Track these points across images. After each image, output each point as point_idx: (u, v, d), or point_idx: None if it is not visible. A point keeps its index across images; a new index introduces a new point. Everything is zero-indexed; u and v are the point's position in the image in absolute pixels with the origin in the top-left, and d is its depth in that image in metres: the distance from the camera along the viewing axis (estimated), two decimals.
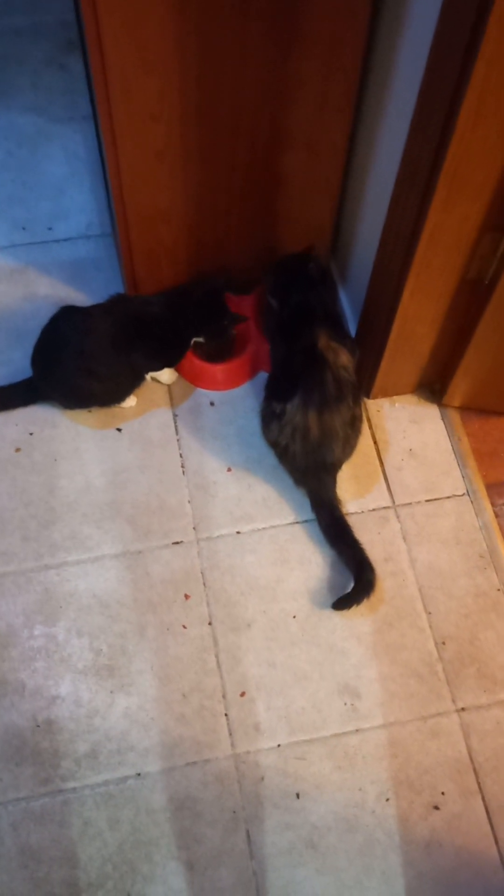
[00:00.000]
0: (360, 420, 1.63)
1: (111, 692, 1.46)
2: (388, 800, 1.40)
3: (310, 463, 1.58)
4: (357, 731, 1.45)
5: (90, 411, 1.72)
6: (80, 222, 1.98)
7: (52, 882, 1.32)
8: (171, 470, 1.68)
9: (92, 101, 1.52)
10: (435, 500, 1.68)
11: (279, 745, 1.43)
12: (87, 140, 2.09)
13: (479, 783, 1.42)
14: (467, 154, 1.20)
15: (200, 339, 1.72)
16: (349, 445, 1.60)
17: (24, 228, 1.96)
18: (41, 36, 2.25)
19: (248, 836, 1.37)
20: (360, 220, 1.68)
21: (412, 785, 1.41)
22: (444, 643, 1.53)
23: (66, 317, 1.64)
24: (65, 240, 1.96)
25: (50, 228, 1.97)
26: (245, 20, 1.32)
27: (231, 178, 1.58)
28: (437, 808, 1.40)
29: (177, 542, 1.60)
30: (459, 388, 1.72)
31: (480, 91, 1.11)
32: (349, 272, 1.80)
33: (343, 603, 1.51)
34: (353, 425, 1.59)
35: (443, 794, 1.41)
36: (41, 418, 1.71)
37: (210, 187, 1.59)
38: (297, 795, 1.40)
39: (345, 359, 1.57)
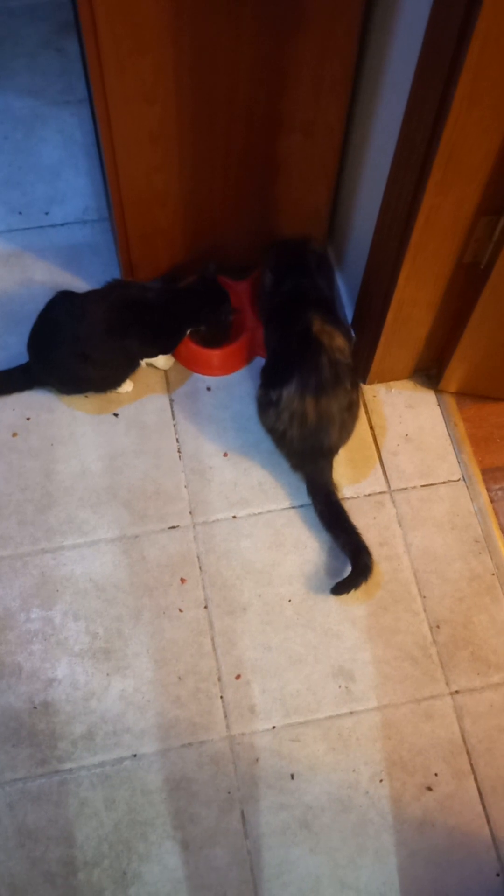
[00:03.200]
0: (358, 405, 1.63)
1: (107, 675, 1.47)
2: (381, 781, 1.41)
3: (307, 448, 1.58)
4: (351, 713, 1.46)
5: (87, 396, 1.72)
6: (76, 207, 1.97)
7: (49, 861, 1.34)
8: (168, 455, 1.68)
9: (87, 82, 1.51)
10: (430, 485, 1.68)
11: (274, 727, 1.45)
12: (84, 123, 2.08)
13: (471, 764, 1.44)
14: (463, 136, 1.19)
15: (200, 328, 1.72)
16: (346, 430, 1.60)
17: (20, 213, 1.96)
18: (37, 17, 2.24)
19: (243, 816, 1.38)
20: (356, 204, 1.68)
21: (405, 766, 1.43)
22: (438, 626, 1.54)
23: (62, 302, 1.64)
24: (61, 224, 1.95)
25: (46, 213, 1.96)
26: (240, 1, 1.31)
27: (226, 161, 1.58)
28: (430, 788, 1.41)
29: (173, 527, 1.61)
30: (455, 374, 1.72)
31: (475, 71, 1.10)
32: (346, 256, 1.80)
33: (342, 587, 1.52)
34: (350, 410, 1.59)
35: (436, 775, 1.42)
36: (38, 403, 1.71)
37: (205, 170, 1.58)
38: (292, 776, 1.41)
39: (340, 342, 1.57)
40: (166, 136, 1.49)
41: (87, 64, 1.37)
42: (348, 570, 1.54)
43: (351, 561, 1.54)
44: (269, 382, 1.60)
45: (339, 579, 1.53)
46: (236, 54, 1.39)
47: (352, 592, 1.53)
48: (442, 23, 1.13)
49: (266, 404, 1.60)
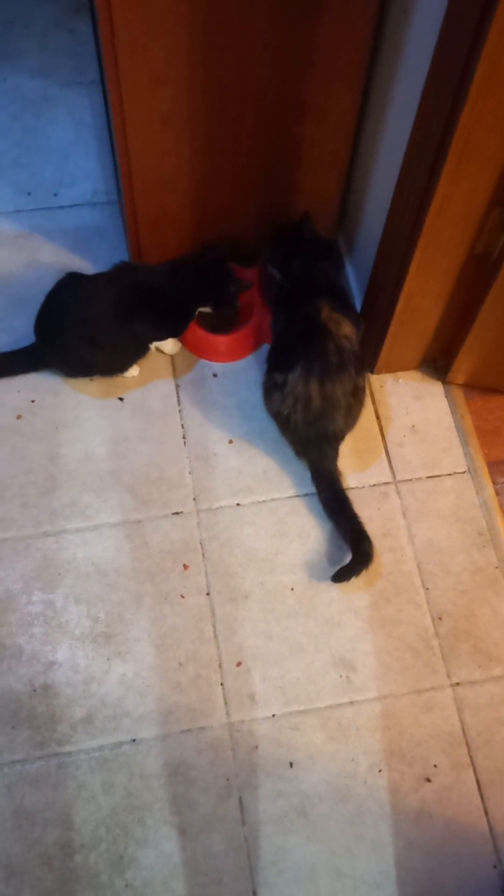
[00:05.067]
0: (363, 391, 1.62)
1: (108, 659, 1.47)
2: (380, 771, 1.41)
3: (311, 433, 1.57)
4: (351, 703, 1.46)
5: (92, 380, 1.72)
6: (85, 189, 1.96)
7: (46, 843, 1.34)
8: (173, 440, 1.67)
9: (100, 64, 1.49)
10: (436, 476, 1.67)
11: (274, 715, 1.45)
12: (94, 105, 2.06)
13: (471, 757, 1.44)
14: (478, 125, 1.18)
15: (206, 310, 1.71)
16: (351, 416, 1.60)
17: (28, 194, 1.95)
18: None
19: (241, 802, 1.38)
20: (367, 192, 1.66)
21: (404, 757, 1.43)
22: (440, 619, 1.54)
23: (69, 284, 1.63)
24: (70, 206, 1.94)
25: (55, 194, 1.95)
26: None
27: (237, 146, 1.56)
28: (428, 780, 1.42)
29: (176, 513, 1.60)
30: (463, 366, 1.71)
31: (493, 60, 1.09)
32: (356, 245, 1.79)
33: (342, 575, 1.52)
34: (356, 395, 1.58)
35: (435, 766, 1.42)
36: (43, 386, 1.71)
37: (216, 155, 1.57)
38: (291, 764, 1.41)
39: (347, 329, 1.56)
40: (177, 119, 1.47)
41: (101, 46, 1.36)
42: (350, 558, 1.53)
43: (351, 548, 1.53)
44: (275, 366, 1.60)
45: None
46: (249, 38, 1.38)
47: (354, 582, 1.53)
48: (460, 10, 1.11)
49: (271, 388, 1.59)
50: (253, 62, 1.42)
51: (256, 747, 1.42)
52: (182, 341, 1.76)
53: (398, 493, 1.65)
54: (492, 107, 1.15)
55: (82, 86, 2.10)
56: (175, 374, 1.75)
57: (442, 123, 1.21)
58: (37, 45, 2.16)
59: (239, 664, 1.48)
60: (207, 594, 1.53)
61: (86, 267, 1.82)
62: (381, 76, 1.48)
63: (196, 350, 1.77)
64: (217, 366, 1.76)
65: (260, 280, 1.78)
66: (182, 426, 1.69)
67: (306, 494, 1.63)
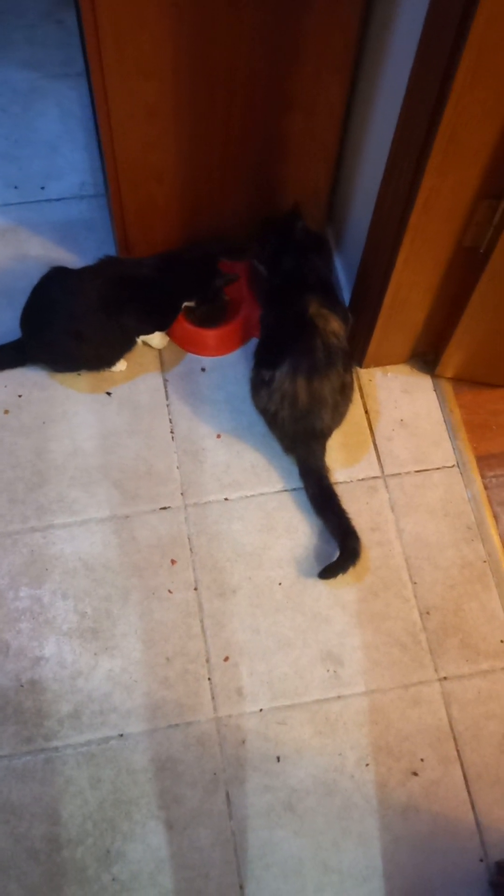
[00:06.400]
0: (351, 388, 1.62)
1: (95, 654, 1.47)
2: (367, 765, 1.41)
3: (298, 430, 1.57)
4: (339, 697, 1.46)
5: (80, 374, 1.71)
6: (73, 182, 1.95)
7: (33, 838, 1.34)
8: (161, 435, 1.67)
9: (85, 56, 1.48)
10: (424, 470, 1.67)
11: (261, 710, 1.44)
12: (83, 97, 2.05)
13: (458, 751, 1.44)
14: (464, 117, 1.17)
15: (192, 303, 1.70)
16: (338, 413, 1.59)
17: (15, 187, 1.93)
18: None
19: (228, 797, 1.38)
20: (356, 185, 1.65)
21: (392, 751, 1.43)
22: (428, 613, 1.54)
23: (56, 278, 1.62)
24: (57, 200, 1.93)
25: (42, 188, 1.94)
26: None
27: (225, 139, 1.55)
28: (415, 774, 1.42)
29: (164, 508, 1.60)
30: (452, 359, 1.70)
31: (478, 51, 1.08)
32: (345, 238, 1.78)
33: (329, 572, 1.51)
34: (343, 392, 1.57)
35: (422, 760, 1.43)
36: (30, 380, 1.70)
37: (203, 148, 1.56)
38: (278, 759, 1.41)
39: (335, 325, 1.55)
40: (164, 112, 1.46)
41: (85, 37, 1.34)
42: (338, 554, 1.53)
43: (339, 545, 1.53)
44: (263, 362, 1.59)
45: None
46: (236, 30, 1.37)
47: (342, 577, 1.53)
48: (445, 1, 1.10)
49: (258, 384, 1.59)
50: (240, 54, 1.41)
51: (244, 742, 1.42)
52: (170, 335, 1.76)
53: (386, 487, 1.65)
54: (477, 98, 1.15)
55: (70, 77, 2.08)
56: (163, 368, 1.74)
57: (428, 115, 1.20)
58: (25, 37, 2.14)
59: (226, 659, 1.48)
60: (195, 589, 1.53)
61: (74, 260, 1.81)
62: (369, 68, 1.47)
63: (184, 344, 1.76)
64: (205, 360, 1.76)
65: (249, 274, 1.77)
66: (170, 421, 1.68)
67: (294, 489, 1.63)
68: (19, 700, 1.43)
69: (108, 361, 1.68)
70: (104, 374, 1.71)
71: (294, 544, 1.58)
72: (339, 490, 1.60)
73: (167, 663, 1.47)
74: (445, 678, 1.49)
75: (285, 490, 1.63)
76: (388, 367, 1.77)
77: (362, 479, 1.65)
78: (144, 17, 1.31)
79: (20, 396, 1.68)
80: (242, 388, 1.71)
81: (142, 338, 1.70)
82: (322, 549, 1.57)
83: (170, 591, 1.52)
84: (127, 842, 1.35)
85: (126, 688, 1.44)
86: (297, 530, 1.59)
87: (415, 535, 1.60)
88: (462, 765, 1.43)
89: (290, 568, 1.56)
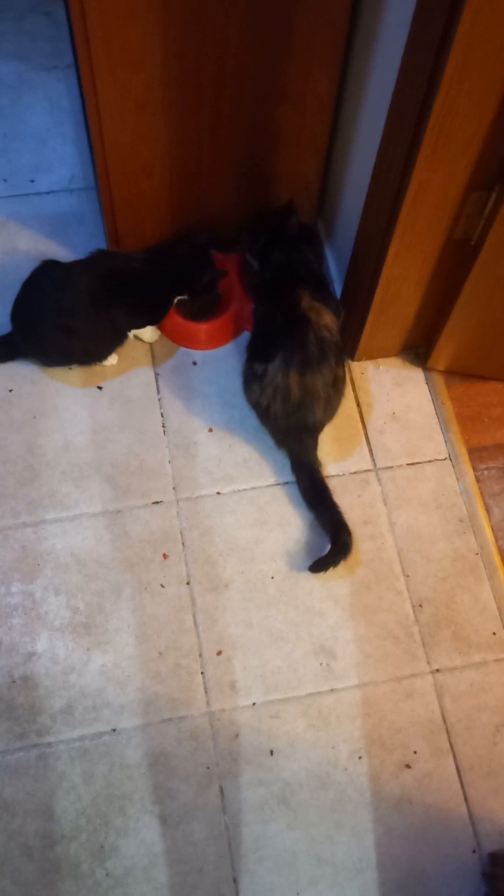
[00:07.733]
0: (343, 381, 1.62)
1: (87, 649, 1.47)
2: (360, 758, 1.42)
3: (290, 424, 1.57)
4: (332, 690, 1.46)
5: (70, 369, 1.70)
6: (62, 175, 1.94)
7: (27, 834, 1.34)
8: (152, 429, 1.66)
9: (73, 48, 1.47)
10: (416, 463, 1.67)
11: (254, 704, 1.45)
12: (71, 90, 2.04)
13: (450, 743, 1.44)
14: (453, 109, 1.17)
15: (184, 297, 1.69)
16: (331, 407, 1.59)
17: (4, 180, 1.92)
18: None
19: (222, 791, 1.38)
20: (346, 178, 1.65)
21: (384, 744, 1.43)
22: (420, 606, 1.54)
23: (46, 272, 1.61)
24: (47, 193, 1.92)
25: (32, 181, 1.93)
26: None
27: (215, 132, 1.54)
28: (408, 766, 1.42)
29: (156, 502, 1.60)
30: (444, 352, 1.70)
31: (467, 43, 1.08)
32: (335, 231, 1.77)
33: (320, 565, 1.52)
34: (336, 386, 1.57)
35: (415, 753, 1.43)
36: (21, 375, 1.69)
37: (193, 141, 1.55)
38: (271, 752, 1.41)
39: (328, 319, 1.55)
40: (153, 104, 1.45)
41: (73, 29, 1.33)
42: (329, 547, 1.53)
43: (330, 539, 1.53)
44: (255, 356, 1.59)
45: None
46: (226, 22, 1.36)
47: (334, 570, 1.53)
48: None
49: (251, 378, 1.58)
50: (229, 46, 1.40)
51: (237, 736, 1.42)
52: (161, 329, 1.75)
53: (378, 480, 1.65)
54: (467, 91, 1.14)
55: (59, 69, 2.07)
56: (154, 362, 1.74)
57: (417, 108, 1.20)
58: (13, 29, 2.13)
59: (219, 653, 1.48)
60: (187, 583, 1.53)
61: (64, 254, 1.80)
62: (358, 61, 1.46)
63: (175, 338, 1.76)
64: (197, 354, 1.75)
65: (240, 267, 1.76)
66: (162, 415, 1.68)
67: (287, 483, 1.62)
68: (12, 696, 1.43)
69: (99, 356, 1.67)
70: (95, 369, 1.70)
71: (286, 538, 1.58)
72: (332, 483, 1.60)
73: (160, 658, 1.47)
74: (438, 670, 1.49)
75: (277, 484, 1.63)
76: (379, 360, 1.77)
77: (354, 473, 1.65)
78: (133, 9, 1.30)
79: (11, 391, 1.68)
80: (234, 382, 1.71)
81: (133, 332, 1.69)
82: (315, 542, 1.57)
83: (162, 586, 1.52)
84: (121, 837, 1.35)
85: (119, 683, 1.44)
86: (290, 524, 1.59)
87: (407, 528, 1.60)
88: (455, 756, 1.43)
89: (283, 562, 1.56)
